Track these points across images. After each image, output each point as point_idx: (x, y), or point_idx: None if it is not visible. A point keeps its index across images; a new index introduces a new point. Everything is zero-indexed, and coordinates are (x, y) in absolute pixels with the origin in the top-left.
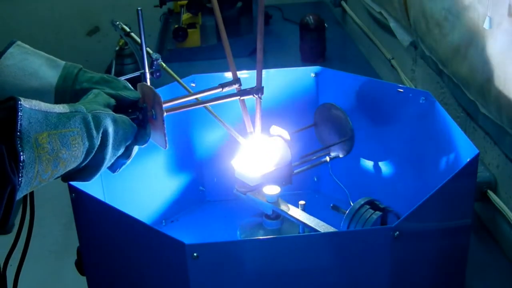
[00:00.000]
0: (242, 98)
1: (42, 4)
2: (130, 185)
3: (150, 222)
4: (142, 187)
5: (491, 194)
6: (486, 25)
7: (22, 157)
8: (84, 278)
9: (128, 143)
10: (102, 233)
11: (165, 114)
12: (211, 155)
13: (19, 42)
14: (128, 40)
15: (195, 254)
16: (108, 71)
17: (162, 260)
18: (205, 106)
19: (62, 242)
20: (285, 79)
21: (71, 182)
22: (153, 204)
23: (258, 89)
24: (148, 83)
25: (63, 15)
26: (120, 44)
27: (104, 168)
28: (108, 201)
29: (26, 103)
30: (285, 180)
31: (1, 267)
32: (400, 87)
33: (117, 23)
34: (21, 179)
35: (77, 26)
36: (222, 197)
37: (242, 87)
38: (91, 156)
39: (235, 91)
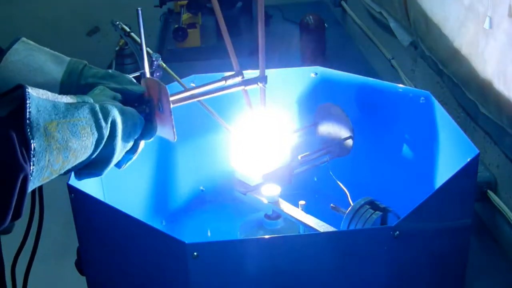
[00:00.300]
0: (246, 87)
1: (42, 4)
2: (130, 185)
3: (150, 222)
4: (142, 187)
5: (491, 194)
6: (486, 25)
7: (32, 145)
8: (84, 278)
9: (136, 136)
10: (102, 233)
11: (171, 106)
12: (211, 155)
13: (23, 39)
14: (128, 40)
15: (195, 253)
16: None
17: (162, 260)
18: (206, 107)
19: (62, 242)
20: (285, 79)
21: (70, 183)
22: (153, 204)
23: (262, 78)
24: None
25: (63, 15)
26: (120, 44)
27: (115, 160)
28: (108, 201)
29: (33, 91)
30: (285, 180)
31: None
32: (400, 87)
33: (117, 23)
34: (33, 168)
35: (77, 26)
36: (222, 197)
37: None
38: (101, 147)
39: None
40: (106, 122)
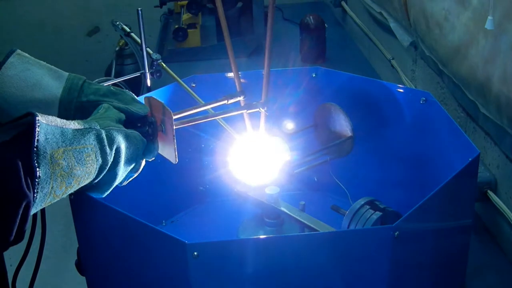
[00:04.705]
0: (248, 111)
1: (42, 4)
2: (130, 185)
3: (150, 222)
4: (142, 187)
5: (491, 194)
6: (486, 25)
7: (38, 173)
8: (84, 278)
9: (138, 159)
10: (102, 233)
11: (175, 127)
12: (211, 155)
13: (19, 51)
14: (128, 40)
15: (195, 253)
16: (108, 71)
17: (163, 260)
18: (209, 110)
19: (62, 242)
20: (285, 79)
21: None
22: (153, 204)
23: (264, 103)
24: (149, 83)
25: (63, 15)
26: (120, 44)
27: (117, 183)
28: (107, 201)
29: (43, 119)
30: (285, 180)
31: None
32: (400, 87)
33: (117, 23)
34: (36, 195)
35: (77, 26)
36: (222, 197)
37: (243, 87)
38: (104, 173)
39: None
40: (111, 149)
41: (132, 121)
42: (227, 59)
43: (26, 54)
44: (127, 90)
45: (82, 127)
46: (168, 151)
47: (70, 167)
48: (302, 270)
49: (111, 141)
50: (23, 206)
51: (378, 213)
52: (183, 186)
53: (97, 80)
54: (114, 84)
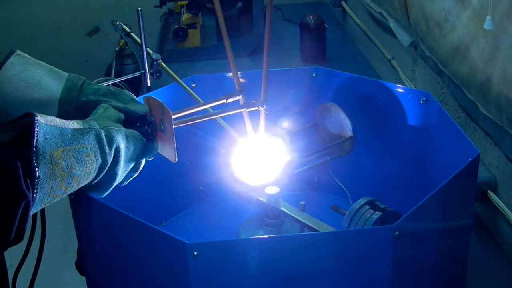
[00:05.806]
0: (247, 110)
1: (42, 5)
2: (130, 185)
3: (150, 222)
4: (142, 187)
5: (491, 194)
6: (485, 25)
7: (37, 173)
8: (84, 278)
9: (138, 158)
10: (102, 233)
11: (174, 127)
12: (211, 155)
13: (19, 52)
14: (128, 40)
15: (195, 253)
16: (108, 71)
17: (163, 260)
18: (209, 110)
19: (62, 242)
20: (285, 79)
21: None
22: (153, 204)
23: (263, 101)
24: (149, 83)
25: (63, 15)
26: (120, 44)
27: (116, 183)
28: (107, 201)
29: (42, 119)
30: (284, 180)
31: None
32: (400, 87)
33: (117, 23)
34: (36, 195)
35: (77, 26)
36: (222, 197)
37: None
38: (103, 173)
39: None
40: (110, 149)
41: (131, 121)
42: (227, 59)
43: (26, 55)
44: (126, 90)
45: (82, 127)
46: (167, 150)
47: (70, 167)
48: (302, 270)
49: (111, 141)
50: (22, 206)
51: (378, 213)
52: (183, 186)
53: (97, 80)
54: (114, 84)
